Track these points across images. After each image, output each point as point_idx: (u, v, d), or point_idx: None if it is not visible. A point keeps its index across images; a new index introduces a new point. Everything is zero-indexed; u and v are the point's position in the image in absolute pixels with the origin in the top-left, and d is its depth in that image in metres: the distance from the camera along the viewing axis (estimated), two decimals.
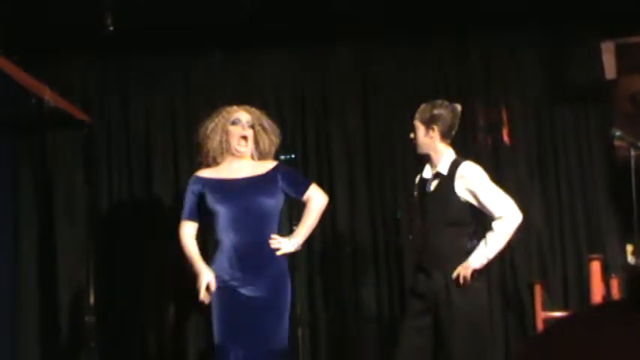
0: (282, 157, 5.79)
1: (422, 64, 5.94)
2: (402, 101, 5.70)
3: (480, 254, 4.28)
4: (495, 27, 5.80)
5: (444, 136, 4.40)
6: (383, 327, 5.74)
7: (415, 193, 4.60)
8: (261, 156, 4.41)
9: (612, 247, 5.60)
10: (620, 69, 5.87)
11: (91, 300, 5.79)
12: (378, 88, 5.92)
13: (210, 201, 4.30)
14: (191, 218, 4.42)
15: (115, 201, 6.04)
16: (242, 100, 4.80)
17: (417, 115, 4.45)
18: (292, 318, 5.65)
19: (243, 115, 4.37)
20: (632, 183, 4.73)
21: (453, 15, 5.67)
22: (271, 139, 4.43)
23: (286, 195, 4.41)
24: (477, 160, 5.67)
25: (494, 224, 4.30)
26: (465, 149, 5.72)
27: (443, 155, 4.39)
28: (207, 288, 4.19)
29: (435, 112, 4.39)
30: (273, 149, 4.47)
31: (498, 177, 5.70)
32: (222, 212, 4.25)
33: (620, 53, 5.86)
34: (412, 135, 4.46)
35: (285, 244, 4.28)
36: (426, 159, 4.48)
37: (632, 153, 4.80)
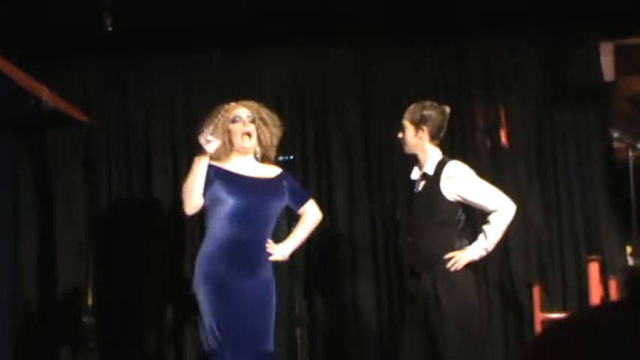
0: (281, 158, 5.79)
1: (421, 64, 5.94)
2: (402, 101, 5.68)
3: (479, 247, 4.33)
4: (495, 27, 5.81)
5: (433, 137, 4.44)
6: (382, 327, 5.74)
7: (408, 195, 4.64)
8: (264, 150, 4.31)
9: (611, 248, 5.60)
10: (619, 70, 5.88)
11: (90, 300, 5.80)
12: (377, 88, 5.92)
13: (221, 190, 4.15)
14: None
15: (115, 201, 6.04)
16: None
17: (407, 115, 4.47)
18: (291, 318, 5.69)
19: (242, 111, 4.27)
20: (631, 184, 4.74)
21: (452, 15, 5.67)
22: (272, 132, 4.31)
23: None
24: (476, 161, 5.71)
25: (490, 217, 4.35)
26: (464, 150, 5.74)
27: (430, 156, 4.43)
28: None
29: (425, 112, 4.43)
30: (275, 141, 4.35)
31: (497, 177, 5.71)
32: (231, 203, 4.13)
33: (619, 54, 5.87)
34: (400, 135, 4.49)
35: (277, 251, 4.27)
36: (413, 160, 4.50)
37: (631, 154, 4.81)
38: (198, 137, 4.11)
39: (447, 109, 4.50)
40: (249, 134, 4.23)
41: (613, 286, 5.24)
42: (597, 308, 1.81)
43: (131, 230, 5.96)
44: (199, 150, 4.13)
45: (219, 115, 4.26)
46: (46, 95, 5.18)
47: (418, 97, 4.67)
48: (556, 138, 5.82)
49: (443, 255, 4.29)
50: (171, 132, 6.02)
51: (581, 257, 5.60)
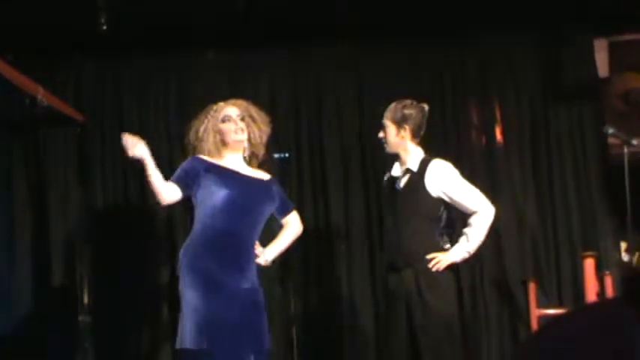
0: (277, 156, 5.78)
1: (418, 64, 5.94)
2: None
3: (461, 249, 4.35)
4: (490, 26, 5.81)
5: (414, 136, 4.46)
6: (378, 325, 5.74)
7: (385, 192, 4.64)
8: (253, 147, 4.26)
9: (606, 244, 5.62)
10: (613, 67, 5.89)
11: (85, 299, 5.79)
12: (374, 88, 5.91)
13: (213, 183, 4.08)
14: (178, 182, 4.14)
15: (109, 200, 6.03)
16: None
17: (388, 115, 4.48)
18: (287, 316, 5.70)
19: (232, 110, 4.23)
20: (626, 180, 4.75)
21: (447, 15, 5.67)
22: (261, 129, 4.27)
23: None
24: (472, 159, 5.72)
25: (471, 220, 4.38)
26: (460, 148, 5.75)
27: (412, 154, 4.45)
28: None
29: (406, 111, 4.45)
30: (265, 138, 4.31)
31: (492, 175, 5.73)
32: (223, 193, 4.06)
33: (613, 51, 5.88)
34: (382, 134, 4.49)
35: (264, 254, 4.24)
36: (395, 158, 4.51)
37: (625, 150, 4.82)
38: (123, 138, 4.00)
39: (426, 107, 4.53)
40: (242, 129, 4.21)
41: (609, 282, 5.25)
42: (593, 305, 1.82)
43: (126, 229, 5.95)
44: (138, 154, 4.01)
45: (208, 116, 4.23)
46: (41, 94, 5.17)
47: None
48: (551, 135, 5.83)
49: (426, 252, 4.31)
50: (166, 131, 6.01)
51: (576, 253, 5.61)
